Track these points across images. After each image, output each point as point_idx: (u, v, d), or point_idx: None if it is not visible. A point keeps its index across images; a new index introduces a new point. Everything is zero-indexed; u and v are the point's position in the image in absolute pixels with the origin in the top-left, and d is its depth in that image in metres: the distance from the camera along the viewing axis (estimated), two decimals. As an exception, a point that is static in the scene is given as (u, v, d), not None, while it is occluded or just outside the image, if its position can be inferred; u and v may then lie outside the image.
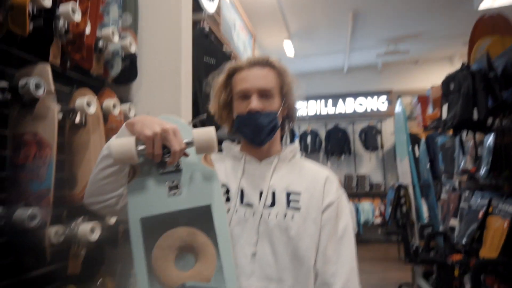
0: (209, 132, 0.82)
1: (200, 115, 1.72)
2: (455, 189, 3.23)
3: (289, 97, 1.01)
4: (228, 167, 1.01)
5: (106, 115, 1.39)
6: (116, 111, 1.39)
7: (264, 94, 0.96)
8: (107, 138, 1.42)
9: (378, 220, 6.08)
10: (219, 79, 1.03)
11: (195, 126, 1.73)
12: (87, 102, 1.22)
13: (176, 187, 0.84)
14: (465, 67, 2.43)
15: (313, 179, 0.98)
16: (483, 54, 2.37)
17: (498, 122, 2.26)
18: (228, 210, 0.94)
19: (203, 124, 1.88)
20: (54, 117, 1.12)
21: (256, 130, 0.95)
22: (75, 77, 1.40)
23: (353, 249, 0.97)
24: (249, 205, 0.94)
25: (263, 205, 0.93)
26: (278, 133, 1.02)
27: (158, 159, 0.81)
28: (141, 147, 0.80)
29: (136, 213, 0.83)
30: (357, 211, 6.16)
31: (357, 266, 0.96)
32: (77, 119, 1.26)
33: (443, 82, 2.61)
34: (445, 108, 2.54)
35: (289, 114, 1.04)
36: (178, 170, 0.85)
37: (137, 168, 0.87)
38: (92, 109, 1.25)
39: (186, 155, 0.87)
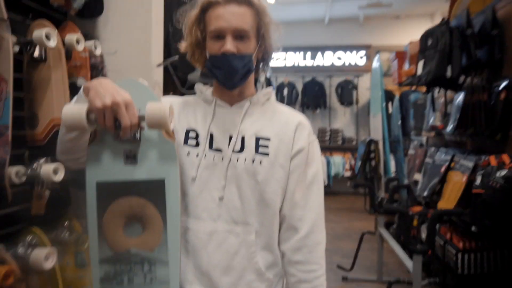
0: (162, 108, 0.79)
1: (172, 56, 1.64)
2: (422, 145, 3.35)
3: (266, 39, 0.96)
4: (199, 111, 0.98)
5: (69, 51, 1.30)
6: (79, 47, 1.29)
7: (239, 35, 0.90)
8: (71, 76, 1.34)
9: (348, 173, 6.31)
10: (191, 14, 0.96)
11: (165, 68, 1.65)
12: (46, 34, 1.12)
13: (134, 157, 0.85)
14: (444, 23, 2.41)
15: (284, 124, 0.97)
16: (463, 10, 2.35)
17: (469, 80, 2.30)
18: (197, 155, 0.93)
19: (174, 67, 1.80)
20: (9, 48, 1.03)
21: (229, 73, 0.91)
22: (32, 6, 1.27)
23: (321, 195, 0.98)
24: (218, 150, 0.94)
25: (231, 150, 0.93)
26: (252, 76, 0.99)
27: (111, 131, 0.80)
28: (93, 116, 0.79)
29: (92, 177, 0.84)
30: (328, 164, 6.34)
31: (324, 214, 0.98)
32: (36, 53, 1.17)
33: (421, 37, 2.60)
34: (421, 63, 2.54)
35: (264, 56, 0.99)
36: (135, 140, 0.85)
37: (97, 132, 0.85)
38: (52, 43, 1.15)
39: (141, 128, 0.85)
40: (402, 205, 3.14)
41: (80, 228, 1.47)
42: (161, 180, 0.85)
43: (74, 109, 0.78)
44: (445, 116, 2.62)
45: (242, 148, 0.93)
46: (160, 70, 1.66)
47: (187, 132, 0.96)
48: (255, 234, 0.91)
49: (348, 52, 6.73)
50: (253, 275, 0.92)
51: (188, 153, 0.94)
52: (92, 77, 1.46)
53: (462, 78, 2.30)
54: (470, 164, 2.19)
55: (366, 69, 6.56)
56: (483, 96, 2.21)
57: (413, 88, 4.00)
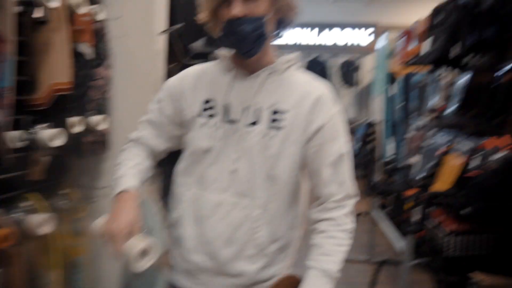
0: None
1: (177, 24, 1.58)
2: (422, 128, 3.30)
3: None
4: (217, 79, 0.95)
5: (71, 14, 1.27)
6: (82, 10, 1.26)
7: None
8: (73, 40, 1.30)
9: (346, 155, 6.27)
10: None
11: (171, 36, 1.59)
12: (48, -5, 1.08)
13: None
14: (453, -1, 2.31)
15: (302, 97, 0.92)
16: (475, -15, 2.24)
17: (476, 60, 2.22)
18: (211, 126, 0.92)
19: (179, 36, 1.72)
20: (11, 8, 1.00)
21: (238, 40, 0.86)
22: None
23: (349, 170, 0.97)
24: (233, 121, 0.92)
25: (245, 122, 0.91)
26: (268, 46, 0.93)
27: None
28: None
29: None
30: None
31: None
32: (38, 13, 1.14)
33: (430, 14, 2.50)
34: (427, 41, 2.46)
35: (282, 18, 0.92)
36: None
37: None
38: (55, 3, 1.12)
39: None
40: (397, 187, 3.12)
41: (78, 197, 1.47)
42: None
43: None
44: (448, 97, 2.56)
45: (256, 121, 0.91)
46: (163, 38, 1.61)
47: (203, 102, 0.94)
48: (261, 209, 0.91)
49: (353, 31, 6.56)
50: (254, 249, 0.92)
51: (203, 124, 0.93)
52: (95, 43, 1.43)
53: (469, 57, 2.22)
54: (467, 147, 2.15)
55: (371, 49, 6.42)
56: (487, 78, 2.14)
57: (418, 70, 3.91)
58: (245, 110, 0.91)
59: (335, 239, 0.92)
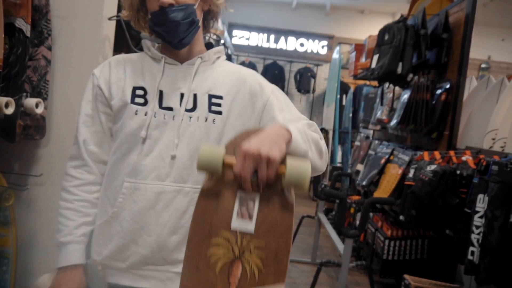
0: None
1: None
2: (368, 138, 3.49)
3: None
4: (146, 68, 0.93)
5: None
6: None
7: None
8: (8, 14, 1.20)
9: (297, 159, 6.43)
10: None
11: (121, 22, 1.53)
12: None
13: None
14: (402, 20, 2.48)
15: (237, 83, 0.94)
16: (420, 10, 2.43)
17: (416, 79, 2.40)
18: (146, 114, 0.89)
19: (128, 23, 1.67)
20: None
21: (170, 28, 0.86)
22: None
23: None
24: (169, 108, 0.90)
25: (184, 108, 0.90)
26: (200, 32, 0.94)
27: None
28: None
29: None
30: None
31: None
32: None
33: (380, 31, 2.66)
34: (375, 57, 2.62)
35: (211, 8, 0.95)
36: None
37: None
38: None
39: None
40: (342, 193, 3.27)
41: (5, 183, 1.37)
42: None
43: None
44: (391, 111, 2.73)
45: (194, 107, 0.90)
46: (112, 24, 1.55)
47: (134, 89, 0.91)
48: None
49: (310, 40, 6.78)
50: None
51: (136, 112, 0.89)
52: (34, 21, 1.33)
53: (410, 76, 2.40)
54: (406, 158, 2.32)
55: (327, 59, 6.67)
56: (426, 95, 2.33)
57: (368, 82, 4.13)
58: (181, 96, 0.90)
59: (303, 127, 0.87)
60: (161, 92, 0.91)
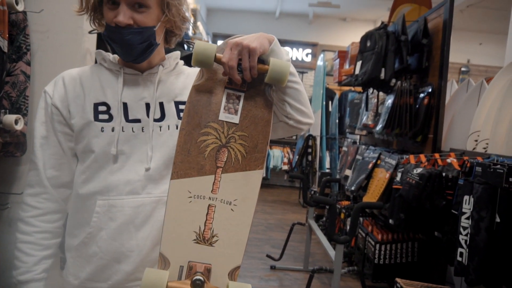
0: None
1: None
2: (355, 143, 3.52)
3: (173, 7, 0.85)
4: (105, 81, 0.88)
5: None
6: None
7: (136, 2, 0.80)
8: None
9: (285, 167, 6.47)
10: None
11: (100, 36, 1.52)
12: None
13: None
14: (382, 26, 2.53)
15: None
16: (400, 16, 2.49)
17: (399, 84, 2.45)
18: (113, 130, 0.85)
19: None
20: None
21: (125, 48, 0.83)
22: None
23: None
24: (136, 120, 0.87)
25: (152, 118, 0.87)
26: (161, 46, 0.91)
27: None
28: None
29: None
30: (268, 156, 6.44)
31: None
32: None
33: (361, 38, 2.71)
34: (359, 64, 2.66)
35: (176, 25, 0.88)
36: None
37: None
38: None
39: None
40: (332, 199, 3.29)
41: None
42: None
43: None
44: (376, 116, 2.77)
45: (163, 116, 0.89)
46: (93, 38, 1.54)
47: (95, 106, 0.86)
48: None
49: (295, 48, 6.85)
50: None
51: (102, 129, 0.85)
52: (11, 36, 1.31)
53: (393, 81, 2.44)
54: (393, 162, 2.35)
55: (311, 66, 6.74)
56: (409, 100, 2.37)
57: (353, 88, 4.19)
58: (147, 106, 0.87)
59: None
60: (125, 105, 0.87)
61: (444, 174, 1.75)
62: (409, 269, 2.42)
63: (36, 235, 0.87)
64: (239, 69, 0.78)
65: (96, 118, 0.86)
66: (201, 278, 0.73)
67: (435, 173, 1.75)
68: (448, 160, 1.81)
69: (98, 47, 1.58)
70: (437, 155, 1.97)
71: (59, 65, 1.42)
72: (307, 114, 0.87)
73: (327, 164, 5.18)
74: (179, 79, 0.94)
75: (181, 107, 0.90)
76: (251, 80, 0.80)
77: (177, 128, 0.88)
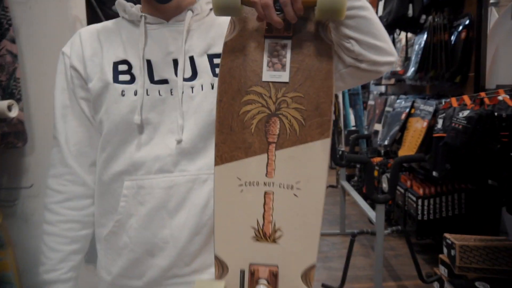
0: None
1: None
2: (382, 94, 3.28)
3: None
4: (125, 35, 0.74)
5: None
6: None
7: None
8: None
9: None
10: None
11: (89, 0, 1.36)
12: None
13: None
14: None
15: None
16: None
17: (431, 19, 2.17)
18: (136, 93, 0.70)
19: (101, 0, 1.51)
20: None
21: None
22: None
23: None
24: (163, 81, 0.71)
25: (181, 78, 0.70)
26: None
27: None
28: None
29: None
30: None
31: None
32: None
33: (381, -25, 2.41)
34: (381, 4, 2.38)
35: None
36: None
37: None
38: None
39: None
40: (363, 156, 3.10)
41: None
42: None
43: None
44: (406, 60, 2.51)
45: (194, 74, 0.72)
46: (81, 3, 1.37)
47: (115, 65, 0.72)
48: None
49: None
50: None
51: (123, 93, 0.70)
52: None
53: (423, 17, 2.17)
54: (430, 108, 2.12)
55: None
56: (444, 36, 2.10)
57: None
58: (175, 62, 0.72)
59: None
60: (149, 62, 0.71)
61: (496, 113, 1.53)
62: (456, 223, 2.24)
63: (61, 225, 0.74)
64: (277, 8, 0.59)
65: (116, 80, 0.71)
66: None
67: (485, 113, 1.53)
68: (500, 97, 1.57)
69: (90, 15, 1.41)
70: (483, 94, 1.74)
71: (48, 38, 1.26)
72: (385, 49, 0.65)
73: (352, 122, 4.95)
74: (214, 26, 0.75)
75: (216, 61, 0.72)
76: (296, 21, 0.60)
77: (212, 88, 0.71)
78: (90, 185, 0.76)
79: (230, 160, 0.62)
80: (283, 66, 0.62)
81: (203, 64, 0.72)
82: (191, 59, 0.72)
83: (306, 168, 0.60)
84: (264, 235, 0.60)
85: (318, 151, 0.60)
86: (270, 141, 0.61)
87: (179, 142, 0.70)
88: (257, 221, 0.60)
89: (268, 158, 0.61)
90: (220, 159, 0.61)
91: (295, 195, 0.60)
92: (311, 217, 0.60)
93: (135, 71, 0.71)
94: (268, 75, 0.62)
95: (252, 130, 0.62)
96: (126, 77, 0.71)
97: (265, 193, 0.61)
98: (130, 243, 0.72)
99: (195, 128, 0.70)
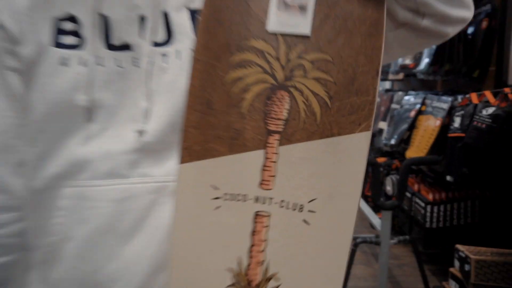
0: None
1: None
2: (388, 91, 3.09)
3: None
4: None
5: None
6: None
7: None
8: None
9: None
10: None
11: None
12: None
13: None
14: None
15: None
16: None
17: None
18: (85, 63, 0.48)
19: None
20: None
21: None
22: None
23: None
24: (124, 46, 0.50)
25: (150, 41, 0.50)
26: None
27: None
28: None
29: None
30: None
31: None
32: None
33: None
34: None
35: None
36: None
37: None
38: None
39: None
40: (370, 157, 2.91)
41: None
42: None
43: None
44: (418, 53, 2.31)
45: (169, 36, 0.51)
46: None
47: (56, 22, 0.49)
48: None
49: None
50: None
51: (65, 62, 0.49)
52: None
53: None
54: (444, 105, 1.93)
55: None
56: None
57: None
58: (142, 20, 0.51)
59: None
60: (105, 19, 0.50)
61: (525, 112, 1.33)
62: (468, 233, 2.05)
63: None
64: None
65: (56, 43, 0.49)
66: None
67: (514, 111, 1.33)
68: (531, 93, 1.37)
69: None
70: (508, 90, 1.54)
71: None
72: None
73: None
74: None
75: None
76: None
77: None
78: (15, 192, 0.51)
79: (204, 156, 0.40)
80: (303, 9, 0.39)
81: (181, 22, 0.50)
82: (165, 15, 0.50)
83: (328, 178, 0.38)
84: (249, 284, 0.38)
85: (351, 152, 0.38)
86: (271, 130, 0.39)
87: (140, 133, 0.48)
88: (239, 260, 0.39)
89: (265, 158, 0.39)
90: (188, 153, 0.40)
91: (305, 221, 0.38)
92: (330, 261, 0.37)
93: (84, 31, 0.49)
94: (277, 21, 0.40)
95: (244, 109, 0.40)
96: (71, 40, 0.48)
97: (256, 214, 0.39)
98: (66, 279, 0.49)
99: (166, 115, 0.48)
